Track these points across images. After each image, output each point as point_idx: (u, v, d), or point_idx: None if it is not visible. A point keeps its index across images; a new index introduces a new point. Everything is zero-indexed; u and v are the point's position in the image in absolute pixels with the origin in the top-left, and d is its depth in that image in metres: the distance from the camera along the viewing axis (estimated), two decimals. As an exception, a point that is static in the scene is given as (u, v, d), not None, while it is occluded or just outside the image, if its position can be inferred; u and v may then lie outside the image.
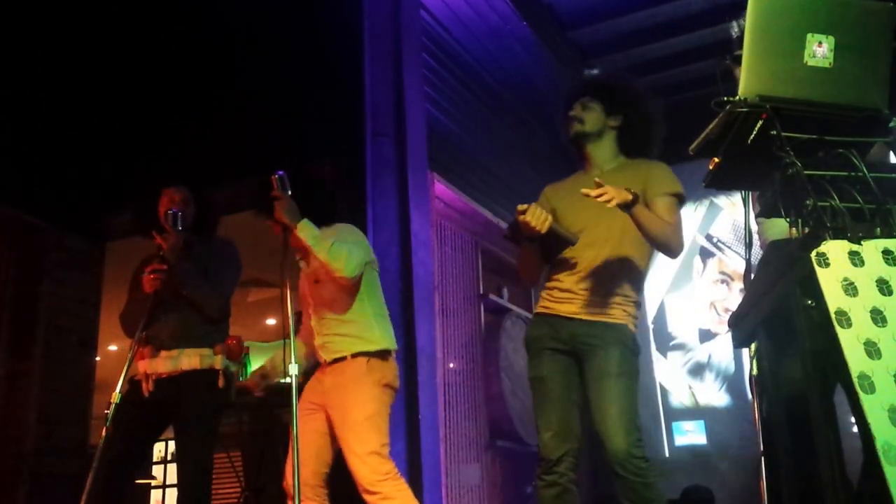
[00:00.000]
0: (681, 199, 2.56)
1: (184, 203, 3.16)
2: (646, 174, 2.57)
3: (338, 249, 2.66)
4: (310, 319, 2.89)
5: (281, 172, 2.73)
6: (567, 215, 2.60)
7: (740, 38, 2.48)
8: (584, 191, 2.29)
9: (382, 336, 2.82)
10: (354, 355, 2.74)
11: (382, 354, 2.78)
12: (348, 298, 2.79)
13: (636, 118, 2.67)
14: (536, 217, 2.38)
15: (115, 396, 2.81)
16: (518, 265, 2.70)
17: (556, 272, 2.60)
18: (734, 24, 2.49)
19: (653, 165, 2.62)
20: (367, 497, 2.58)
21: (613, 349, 2.42)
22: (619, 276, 2.52)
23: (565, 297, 2.53)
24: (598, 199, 2.26)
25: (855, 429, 1.56)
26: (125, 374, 2.85)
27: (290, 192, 2.71)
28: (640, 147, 2.68)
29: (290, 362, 2.54)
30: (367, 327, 2.79)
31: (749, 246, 2.11)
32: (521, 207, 2.40)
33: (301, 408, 2.65)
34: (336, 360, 2.76)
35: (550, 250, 2.56)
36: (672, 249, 2.51)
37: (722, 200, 7.18)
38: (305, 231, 2.68)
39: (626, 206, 2.35)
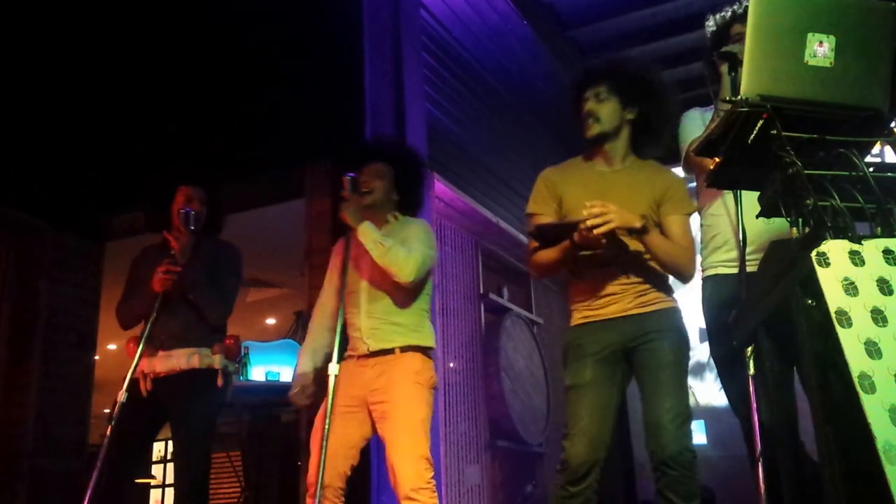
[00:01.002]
0: (690, 216, 2.51)
1: (200, 203, 3.16)
2: (663, 187, 2.47)
3: (394, 255, 2.65)
4: (352, 295, 2.78)
5: (352, 174, 2.77)
6: (580, 208, 2.42)
7: (716, 31, 2.48)
8: (590, 204, 2.24)
9: (430, 334, 2.80)
10: (404, 349, 2.69)
11: (430, 352, 2.76)
12: (411, 293, 2.76)
13: (655, 112, 2.52)
14: (603, 233, 2.24)
15: (122, 395, 2.80)
16: (540, 262, 2.51)
17: (587, 279, 2.47)
18: (710, 17, 2.48)
19: (671, 178, 2.51)
20: (404, 502, 2.54)
21: (669, 338, 2.38)
22: (649, 262, 2.44)
23: (610, 300, 2.43)
24: (594, 221, 2.20)
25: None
26: (131, 374, 2.84)
27: (358, 195, 2.77)
28: (651, 142, 2.56)
29: (333, 361, 2.53)
30: (419, 322, 2.77)
31: (743, 245, 2.11)
32: (593, 221, 2.23)
33: (335, 403, 2.56)
34: (381, 352, 2.69)
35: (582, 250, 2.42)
36: (683, 276, 2.45)
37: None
38: (366, 234, 2.69)
39: (634, 233, 2.30)
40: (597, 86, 2.50)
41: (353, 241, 2.75)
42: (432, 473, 2.59)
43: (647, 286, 2.44)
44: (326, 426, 2.47)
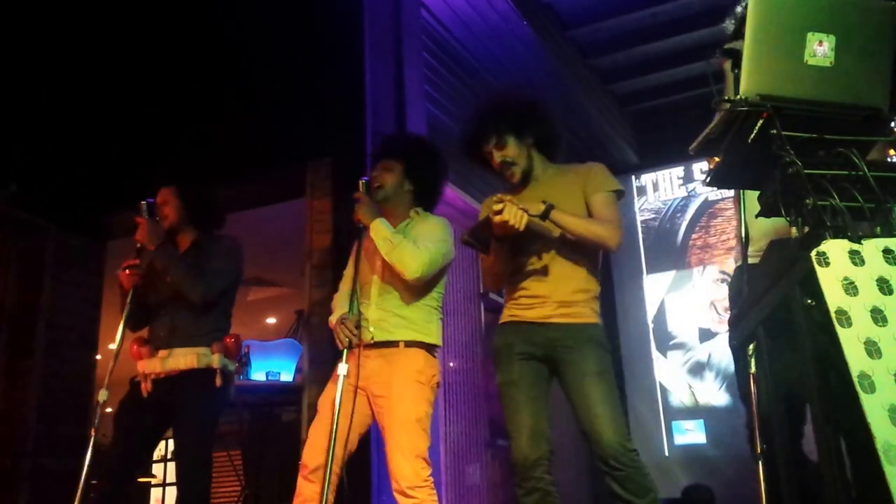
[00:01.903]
0: (619, 195, 2.60)
1: (165, 202, 3.18)
2: (585, 175, 2.59)
3: (401, 251, 2.68)
4: (364, 286, 2.81)
5: (366, 178, 2.86)
6: None
7: (732, 33, 2.47)
8: (496, 207, 2.31)
9: (437, 332, 2.81)
10: (409, 344, 2.70)
11: (434, 350, 2.77)
12: (421, 289, 2.77)
13: (546, 133, 2.67)
14: (514, 215, 2.32)
15: (103, 394, 2.86)
16: (485, 273, 2.66)
17: (519, 279, 2.57)
18: (729, 17, 2.47)
19: (591, 166, 2.63)
20: (401, 499, 2.55)
21: (589, 349, 2.44)
22: (579, 271, 2.54)
23: (536, 302, 2.52)
24: (498, 206, 2.30)
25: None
26: (109, 374, 2.93)
27: (371, 196, 2.83)
28: (555, 149, 2.70)
29: (342, 361, 2.61)
30: (426, 318, 2.77)
31: (745, 244, 2.11)
32: (496, 207, 2.33)
33: (337, 388, 2.61)
34: (385, 344, 2.70)
35: (514, 249, 2.53)
36: (607, 245, 2.52)
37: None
38: (377, 230, 2.74)
39: (542, 217, 2.38)
40: (489, 136, 2.61)
41: (367, 236, 2.81)
42: (430, 472, 2.60)
43: (571, 299, 2.51)
44: (336, 415, 2.53)
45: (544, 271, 2.52)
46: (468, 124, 2.71)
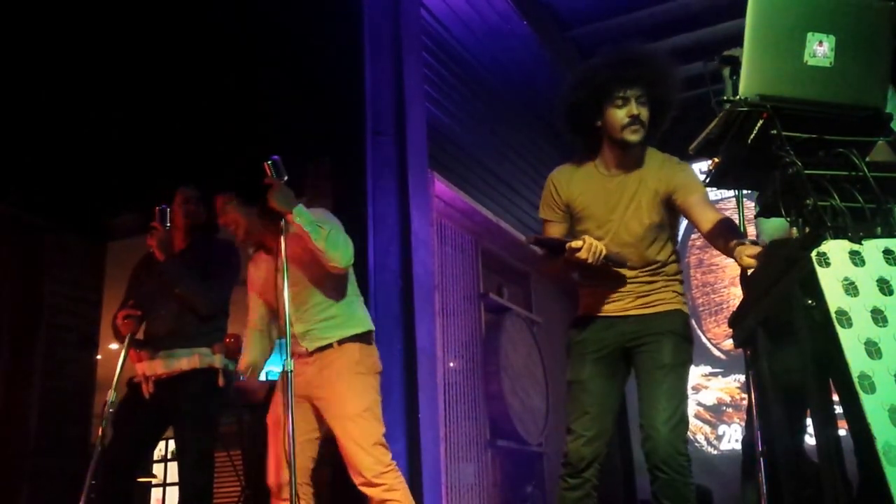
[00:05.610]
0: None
1: (196, 202, 3.18)
2: (670, 179, 2.41)
3: (335, 237, 2.58)
4: (273, 309, 2.80)
5: (276, 157, 2.59)
6: (592, 212, 2.45)
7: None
8: (574, 245, 2.24)
9: (364, 317, 2.77)
10: (341, 342, 2.67)
11: (368, 337, 2.73)
12: (336, 282, 2.73)
13: (667, 114, 2.44)
14: (592, 253, 2.24)
15: (111, 395, 2.86)
16: (546, 271, 2.60)
17: (593, 278, 2.47)
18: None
19: (675, 168, 2.45)
20: (368, 490, 2.54)
21: (667, 340, 2.35)
22: (660, 261, 2.44)
23: (614, 297, 2.43)
24: (581, 254, 2.24)
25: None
26: (118, 375, 2.92)
27: (285, 178, 2.59)
28: (651, 134, 2.46)
29: (287, 357, 2.55)
30: (350, 309, 2.74)
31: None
32: (575, 244, 2.24)
33: (281, 401, 2.57)
34: (320, 349, 2.69)
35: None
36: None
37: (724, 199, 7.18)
38: (301, 217, 2.56)
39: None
40: (634, 87, 2.35)
41: (267, 257, 2.76)
42: (390, 455, 2.58)
43: (651, 288, 2.43)
44: (291, 422, 2.47)
45: (621, 271, 2.40)
46: (628, 65, 2.35)
